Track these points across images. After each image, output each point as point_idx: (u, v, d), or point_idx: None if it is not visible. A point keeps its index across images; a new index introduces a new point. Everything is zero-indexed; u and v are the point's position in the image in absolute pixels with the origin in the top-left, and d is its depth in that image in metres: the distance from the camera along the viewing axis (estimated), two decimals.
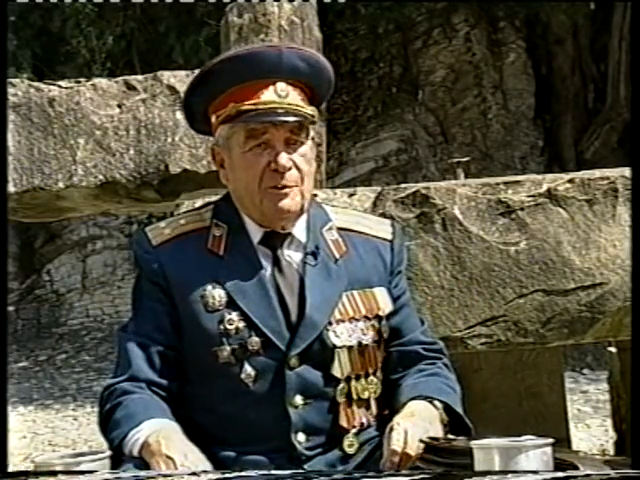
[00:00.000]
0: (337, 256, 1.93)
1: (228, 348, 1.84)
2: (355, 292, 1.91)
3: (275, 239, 1.91)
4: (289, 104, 1.85)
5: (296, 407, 1.84)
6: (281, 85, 1.85)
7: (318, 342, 1.85)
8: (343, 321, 1.88)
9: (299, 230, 1.93)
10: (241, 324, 1.85)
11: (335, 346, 1.86)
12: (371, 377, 1.91)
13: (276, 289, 1.87)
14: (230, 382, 1.84)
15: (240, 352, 1.84)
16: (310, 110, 1.89)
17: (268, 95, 1.84)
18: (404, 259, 2.03)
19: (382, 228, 2.02)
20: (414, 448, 1.73)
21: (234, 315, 1.85)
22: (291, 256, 1.91)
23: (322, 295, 1.88)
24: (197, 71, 1.96)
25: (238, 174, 1.89)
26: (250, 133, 1.85)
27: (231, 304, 1.85)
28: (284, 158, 1.84)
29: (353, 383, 1.89)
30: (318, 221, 1.95)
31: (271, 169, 1.85)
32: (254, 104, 1.83)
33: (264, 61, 1.84)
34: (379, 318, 1.93)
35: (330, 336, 1.86)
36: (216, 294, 1.86)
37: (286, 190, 1.86)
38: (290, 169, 1.85)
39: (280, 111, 1.83)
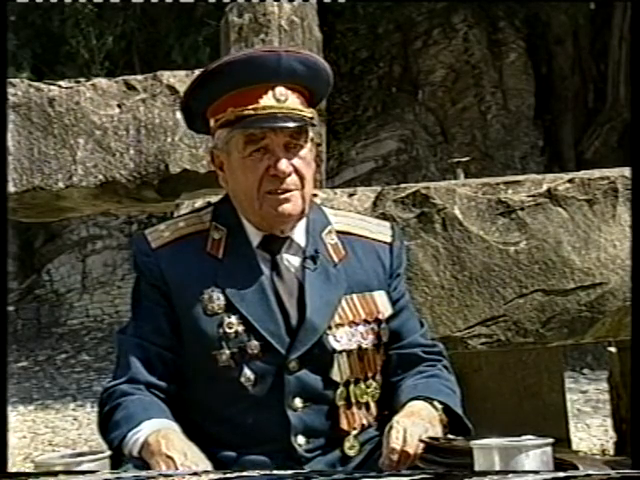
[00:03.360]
0: (336, 260, 1.92)
1: (227, 352, 1.84)
2: (355, 296, 1.91)
3: (274, 243, 1.91)
4: (288, 108, 1.84)
5: (295, 410, 1.84)
6: (280, 89, 1.84)
7: (318, 346, 1.85)
8: (343, 325, 1.88)
9: (298, 234, 1.92)
10: (240, 328, 1.84)
11: (335, 350, 1.86)
12: (370, 381, 1.91)
13: (275, 293, 1.87)
14: (230, 385, 1.84)
15: (239, 356, 1.84)
16: (309, 113, 1.88)
17: (267, 100, 1.83)
18: (403, 262, 2.03)
19: (381, 231, 2.01)
20: (413, 446, 1.73)
21: (233, 319, 1.85)
22: (290, 260, 1.90)
23: (322, 299, 1.87)
24: (197, 72, 1.96)
25: (237, 178, 1.88)
26: (249, 138, 1.84)
27: (230, 308, 1.85)
28: (284, 164, 1.84)
29: (352, 387, 1.88)
30: (317, 225, 1.95)
31: (270, 174, 1.84)
32: (253, 109, 1.82)
33: (263, 65, 1.83)
34: (379, 322, 1.92)
35: (330, 340, 1.86)
36: (215, 297, 1.85)
37: (286, 194, 1.85)
38: (290, 174, 1.85)
39: (279, 116, 1.83)
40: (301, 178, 1.87)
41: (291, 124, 1.84)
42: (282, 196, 1.85)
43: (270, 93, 1.84)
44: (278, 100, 1.84)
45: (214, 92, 1.86)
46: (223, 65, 1.86)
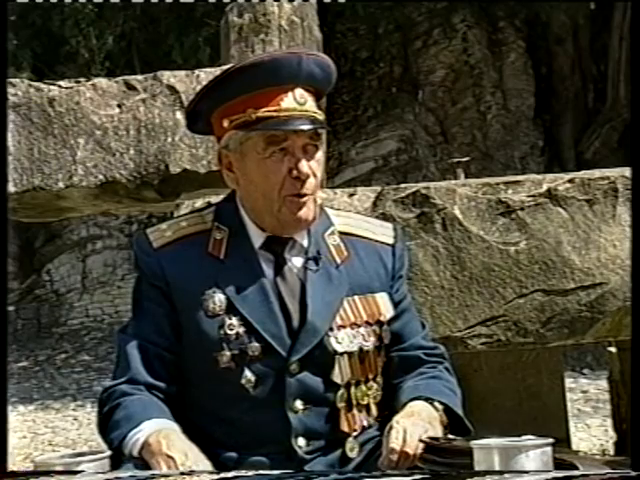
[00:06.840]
0: (338, 261, 1.92)
1: (228, 353, 1.83)
2: (356, 297, 1.91)
3: (277, 244, 1.90)
4: (307, 111, 1.84)
5: (296, 412, 1.84)
6: (300, 92, 1.84)
7: (319, 348, 1.85)
8: (344, 327, 1.88)
9: (301, 235, 1.92)
10: (241, 329, 1.84)
11: (336, 352, 1.86)
12: (371, 382, 1.91)
13: (277, 294, 1.86)
14: (230, 387, 1.84)
15: (240, 357, 1.83)
16: (322, 115, 1.89)
17: (288, 102, 1.83)
18: (405, 264, 2.02)
19: (384, 232, 2.01)
20: (413, 447, 1.73)
21: (234, 320, 1.84)
22: (292, 261, 1.90)
23: (323, 301, 1.87)
24: (197, 72, 1.95)
25: (254, 180, 1.87)
26: (270, 139, 1.83)
27: (231, 309, 1.85)
28: (305, 166, 1.84)
29: (353, 389, 1.88)
30: (320, 226, 1.94)
31: (292, 176, 1.83)
32: (275, 111, 1.82)
33: (284, 67, 1.83)
34: (380, 323, 1.92)
35: (331, 342, 1.86)
36: (216, 299, 1.85)
37: (304, 199, 1.85)
38: (309, 177, 1.85)
39: (301, 118, 1.83)
40: (317, 181, 1.87)
41: (312, 126, 1.84)
42: (301, 200, 1.85)
43: (290, 95, 1.83)
44: (298, 102, 1.83)
45: (233, 92, 1.84)
46: (247, 67, 1.85)
